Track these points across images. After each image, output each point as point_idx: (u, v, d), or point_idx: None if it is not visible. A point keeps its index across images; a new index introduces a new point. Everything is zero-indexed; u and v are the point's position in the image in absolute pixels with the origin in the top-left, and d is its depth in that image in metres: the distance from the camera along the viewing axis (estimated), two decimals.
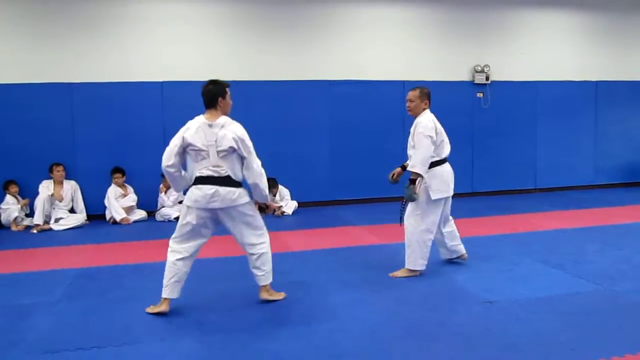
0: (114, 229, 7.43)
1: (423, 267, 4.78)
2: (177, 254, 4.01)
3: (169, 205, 7.90)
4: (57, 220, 7.42)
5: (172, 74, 8.18)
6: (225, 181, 3.88)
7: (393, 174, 5.12)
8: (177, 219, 7.63)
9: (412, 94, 4.93)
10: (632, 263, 5.09)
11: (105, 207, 7.80)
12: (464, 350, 3.28)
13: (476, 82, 9.44)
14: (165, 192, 7.91)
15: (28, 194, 7.62)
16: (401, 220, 4.92)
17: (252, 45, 8.51)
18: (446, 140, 4.94)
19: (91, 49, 7.93)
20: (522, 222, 7.19)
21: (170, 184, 4.22)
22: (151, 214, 8.02)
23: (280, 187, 8.25)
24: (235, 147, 3.91)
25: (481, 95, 9.57)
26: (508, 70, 9.66)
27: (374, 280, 4.70)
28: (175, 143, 4.00)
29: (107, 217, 7.78)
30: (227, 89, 4.18)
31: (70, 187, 7.70)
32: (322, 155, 8.87)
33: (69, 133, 7.89)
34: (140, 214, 7.93)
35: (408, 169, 4.81)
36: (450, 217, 5.06)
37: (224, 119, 4.04)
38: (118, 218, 7.63)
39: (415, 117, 4.92)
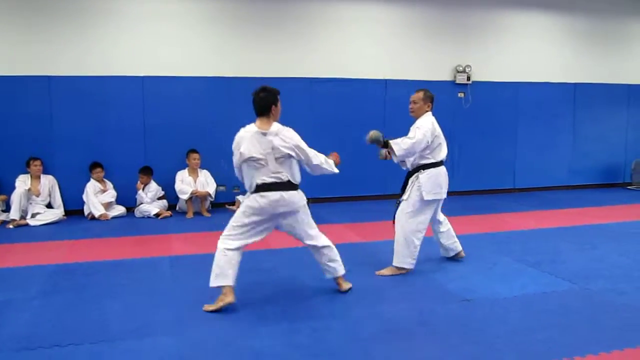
0: (92, 224, 7.34)
1: (411, 266, 4.83)
2: (229, 243, 4.05)
3: (147, 201, 7.83)
4: (33, 216, 7.31)
5: (153, 69, 8.11)
6: (288, 186, 4.03)
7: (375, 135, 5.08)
8: (157, 215, 7.66)
9: (416, 96, 4.96)
10: (607, 262, 5.18)
11: (83, 203, 7.70)
12: (442, 348, 3.31)
13: (458, 82, 9.51)
14: (143, 189, 7.84)
15: (4, 189, 7.49)
16: (394, 217, 4.99)
17: (235, 42, 8.46)
18: (444, 143, 4.98)
19: (71, 42, 7.82)
20: (501, 222, 7.27)
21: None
22: (130, 209, 7.94)
23: None
24: (293, 154, 4.05)
25: (462, 95, 9.64)
26: (489, 71, 9.75)
27: (355, 279, 4.70)
28: (235, 159, 4.07)
29: (86, 213, 7.68)
30: (279, 96, 4.18)
31: (48, 182, 7.59)
32: None
33: (47, 127, 7.77)
34: (119, 209, 7.85)
35: (391, 141, 4.86)
36: (444, 217, 5.20)
37: (276, 127, 4.08)
38: (97, 214, 7.54)
39: (417, 118, 4.95)
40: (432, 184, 4.81)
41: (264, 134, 4.00)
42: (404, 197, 4.96)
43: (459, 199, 9.21)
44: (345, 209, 8.35)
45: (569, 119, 10.34)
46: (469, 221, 7.34)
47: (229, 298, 3.93)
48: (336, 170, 4.32)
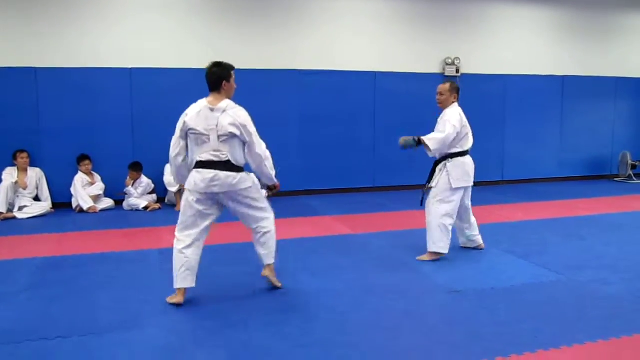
0: (81, 217, 7.29)
1: (446, 250, 4.98)
2: (182, 242, 3.94)
3: (136, 196, 7.79)
4: (21, 209, 7.25)
5: (141, 60, 8.04)
6: (226, 166, 3.84)
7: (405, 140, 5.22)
8: (145, 208, 7.62)
9: (442, 87, 5.26)
10: (594, 253, 5.23)
11: (71, 195, 7.64)
12: (429, 338, 3.33)
13: (447, 74, 9.52)
14: (133, 185, 7.79)
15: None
16: (422, 203, 5.21)
17: (223, 33, 8.41)
18: (470, 133, 5.25)
19: (58, 33, 7.74)
20: (489, 214, 7.30)
21: (174, 175, 4.21)
22: (119, 202, 7.89)
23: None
24: (237, 133, 3.86)
25: None
26: (478, 63, 9.77)
27: (344, 270, 4.73)
28: (177, 128, 3.99)
29: (74, 206, 7.63)
30: (232, 72, 4.06)
31: (35, 175, 7.52)
32: (292, 144, 8.85)
33: (34, 119, 7.69)
34: (108, 202, 7.80)
35: (424, 138, 5.08)
36: (470, 208, 5.32)
37: (226, 103, 3.94)
38: (85, 207, 7.49)
39: (444, 109, 5.24)
40: (460, 171, 5.06)
41: (212, 110, 3.90)
42: (432, 184, 5.13)
43: None
44: (335, 201, 8.36)
45: (557, 111, 10.40)
46: None
47: (177, 298, 3.88)
48: (272, 174, 4.18)
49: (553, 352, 3.10)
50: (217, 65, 4.02)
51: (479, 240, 5.39)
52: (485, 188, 9.64)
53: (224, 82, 3.99)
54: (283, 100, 8.74)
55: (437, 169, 5.17)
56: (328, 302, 3.95)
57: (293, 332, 3.40)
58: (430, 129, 9.63)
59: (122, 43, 7.98)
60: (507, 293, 4.12)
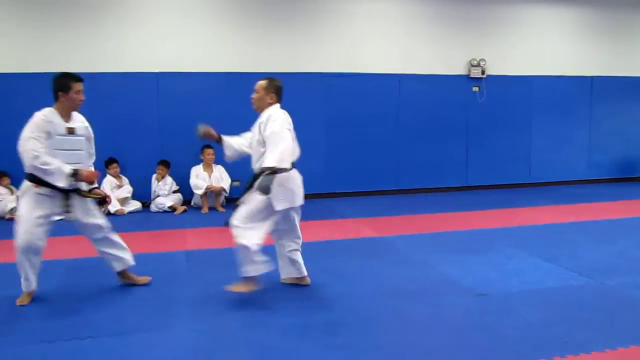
0: (109, 219, 7.37)
1: (256, 273, 4.01)
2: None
3: (163, 194, 7.90)
4: None
5: (168, 65, 8.14)
6: None
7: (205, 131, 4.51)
8: (170, 207, 7.72)
9: (258, 84, 4.49)
10: (624, 257, 5.13)
11: None
12: (455, 342, 3.30)
13: (472, 76, 9.44)
14: (161, 181, 7.91)
15: (20, 185, 7.57)
16: (227, 223, 4.21)
17: (248, 37, 8.47)
18: (296, 142, 4.35)
19: (87, 39, 7.87)
20: (516, 216, 7.22)
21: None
22: (146, 204, 8.00)
23: None
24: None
25: (477, 89, 9.57)
26: (504, 65, 9.65)
27: (368, 272, 4.72)
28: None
29: (102, 208, 7.73)
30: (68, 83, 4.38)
31: None
32: (318, 147, 8.86)
33: None
34: (135, 205, 7.91)
35: (266, 165, 3.91)
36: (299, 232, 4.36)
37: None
38: (113, 209, 7.60)
39: (260, 111, 4.40)
40: (284, 190, 4.03)
41: None
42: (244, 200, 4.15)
43: (474, 194, 9.18)
44: (360, 203, 8.34)
45: (586, 112, 10.22)
46: (483, 215, 7.31)
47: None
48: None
49: (583, 357, 3.05)
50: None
51: (304, 271, 4.37)
52: (511, 190, 9.54)
53: (60, 93, 4.23)
54: (308, 104, 8.76)
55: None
56: (353, 304, 3.95)
57: (318, 335, 3.40)
58: (454, 131, 9.62)
59: (148, 48, 8.08)
60: (535, 296, 4.07)
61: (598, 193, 9.15)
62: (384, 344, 3.27)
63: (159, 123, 8.16)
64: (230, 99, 8.36)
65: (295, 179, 4.17)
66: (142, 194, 8.01)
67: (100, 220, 4.36)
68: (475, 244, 5.67)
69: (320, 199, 8.76)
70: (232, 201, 8.35)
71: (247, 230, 3.96)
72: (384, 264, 4.97)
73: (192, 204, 8.17)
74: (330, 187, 8.98)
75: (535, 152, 9.98)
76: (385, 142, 9.18)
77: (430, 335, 3.42)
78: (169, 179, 8.01)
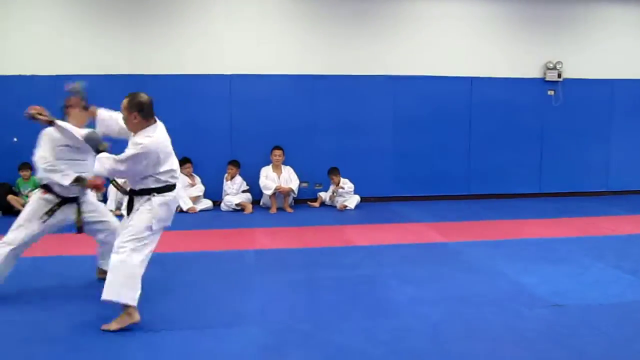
0: (181, 217, 7.62)
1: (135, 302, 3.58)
2: None
3: (232, 192, 8.09)
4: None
5: (240, 67, 8.33)
6: None
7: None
8: (238, 205, 7.90)
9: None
10: None
11: None
12: (530, 354, 3.19)
13: (547, 79, 9.12)
14: (230, 180, 8.11)
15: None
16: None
17: (318, 40, 8.54)
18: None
19: (163, 42, 8.18)
20: (593, 225, 6.92)
21: None
22: (217, 203, 8.21)
23: (342, 178, 8.30)
24: None
25: (552, 93, 9.24)
26: (582, 67, 9.27)
27: (437, 278, 4.65)
28: None
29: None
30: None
31: None
32: (386, 150, 8.82)
33: None
34: (206, 203, 8.14)
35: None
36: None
37: None
38: (185, 207, 7.85)
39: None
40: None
41: None
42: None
43: (548, 201, 8.88)
44: (428, 208, 8.23)
45: None
46: (558, 223, 7.05)
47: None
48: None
49: None
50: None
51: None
52: (587, 198, 9.16)
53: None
54: (377, 106, 8.74)
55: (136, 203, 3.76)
56: (421, 310, 3.90)
57: (387, 339, 3.38)
58: (528, 136, 9.33)
59: (222, 51, 8.31)
60: (615, 310, 3.88)
61: None
62: (453, 351, 3.22)
63: (230, 124, 8.36)
64: (299, 100, 8.48)
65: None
66: (214, 193, 8.22)
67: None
68: (549, 252, 5.48)
69: (388, 202, 8.72)
70: (300, 202, 8.46)
71: (134, 252, 3.59)
72: (453, 270, 4.88)
73: (261, 204, 8.31)
74: (398, 191, 8.91)
75: (615, 159, 9.53)
76: (455, 146, 9.02)
77: (502, 345, 3.32)
78: (238, 179, 8.20)
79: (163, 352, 3.21)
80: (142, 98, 3.72)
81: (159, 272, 4.82)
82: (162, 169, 3.67)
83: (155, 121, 3.77)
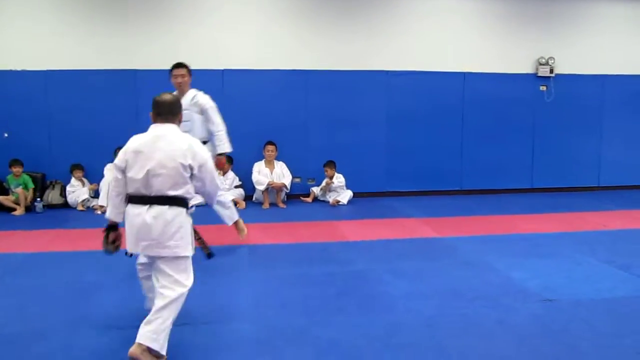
0: None
1: None
2: None
3: (225, 188, 8.05)
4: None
5: (233, 62, 8.30)
6: None
7: None
8: (233, 201, 7.86)
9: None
10: None
11: None
12: (522, 348, 3.21)
13: (540, 74, 9.15)
14: (223, 175, 8.09)
15: (94, 177, 7.92)
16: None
17: (312, 35, 8.52)
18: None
19: (154, 36, 8.14)
20: (584, 221, 6.96)
21: None
22: None
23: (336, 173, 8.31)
24: None
25: (544, 88, 9.27)
26: (574, 63, 9.30)
27: (430, 273, 4.67)
28: None
29: None
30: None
31: None
32: (379, 145, 8.82)
33: (133, 118, 8.13)
34: (198, 198, 8.05)
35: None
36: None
37: None
38: None
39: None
40: None
41: None
42: None
43: (539, 196, 8.92)
44: (421, 203, 8.24)
45: None
46: (549, 219, 7.08)
47: None
48: None
49: None
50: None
51: None
52: (578, 194, 9.20)
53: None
54: (370, 102, 8.73)
55: None
56: (415, 305, 3.91)
57: (380, 334, 3.40)
58: (520, 131, 9.35)
59: (214, 45, 8.27)
60: (606, 304, 3.91)
61: None
62: (446, 346, 3.23)
63: (224, 119, 8.31)
64: (293, 96, 8.46)
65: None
66: None
67: None
68: (541, 248, 5.51)
69: (380, 197, 8.72)
70: (292, 197, 8.45)
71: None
72: (445, 266, 4.90)
73: (254, 199, 8.30)
74: (391, 186, 8.92)
75: (606, 154, 9.58)
76: (448, 141, 9.04)
77: (494, 339, 3.34)
78: (230, 174, 8.18)
79: None
80: (157, 97, 3.34)
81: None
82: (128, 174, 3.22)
83: (157, 122, 3.27)
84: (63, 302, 3.96)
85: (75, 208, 7.73)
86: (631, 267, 4.81)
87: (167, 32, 8.17)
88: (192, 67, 8.19)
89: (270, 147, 8.12)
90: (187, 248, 3.19)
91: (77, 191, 7.76)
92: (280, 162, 8.23)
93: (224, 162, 5.33)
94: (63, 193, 7.84)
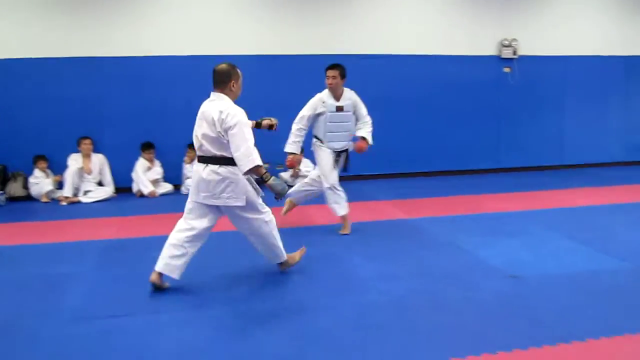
0: (141, 201, 7.54)
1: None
2: None
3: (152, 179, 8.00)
4: (85, 193, 7.55)
5: (199, 48, 8.18)
6: None
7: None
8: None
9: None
10: None
11: (132, 180, 7.90)
12: (490, 323, 3.29)
13: (503, 56, 9.26)
14: (190, 163, 8.01)
15: (57, 168, 7.75)
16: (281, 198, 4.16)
17: (279, 19, 8.44)
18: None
19: (118, 22, 7.95)
20: (549, 199, 7.11)
21: None
22: (177, 187, 8.11)
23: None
24: None
25: (508, 70, 9.40)
26: (536, 45, 9.43)
27: (400, 254, 4.72)
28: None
29: (134, 190, 7.89)
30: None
31: (98, 161, 7.81)
32: None
33: (97, 107, 7.98)
34: (167, 187, 8.03)
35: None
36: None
37: None
38: (146, 191, 7.73)
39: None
40: None
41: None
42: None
43: (506, 176, 9.08)
44: (389, 185, 8.31)
45: (621, 93, 9.94)
46: (515, 197, 7.22)
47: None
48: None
49: (617, 339, 3.02)
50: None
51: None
52: (543, 172, 9.40)
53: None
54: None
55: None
56: (384, 286, 3.96)
57: (351, 316, 3.43)
58: (486, 113, 9.44)
59: (180, 31, 8.13)
60: (569, 279, 4.02)
61: (633, 176, 8.92)
62: (416, 325, 3.28)
63: (189, 105, 8.18)
64: (260, 81, 8.37)
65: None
66: (174, 176, 8.12)
67: None
68: (507, 226, 5.62)
69: (349, 181, 8.71)
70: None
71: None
72: (414, 246, 4.96)
73: None
74: (360, 170, 8.93)
75: (568, 133, 9.78)
76: (416, 123, 9.10)
77: (463, 316, 3.41)
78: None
79: (126, 338, 3.17)
80: (215, 66, 4.10)
81: (120, 257, 4.78)
82: None
83: (213, 90, 4.01)
84: (30, 295, 3.89)
85: (39, 200, 7.57)
86: (593, 242, 4.95)
87: (129, 19, 7.99)
88: (156, 53, 8.11)
89: None
90: (238, 199, 3.85)
91: (40, 183, 7.58)
92: None
93: (365, 147, 5.70)
94: (26, 185, 7.66)
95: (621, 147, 10.08)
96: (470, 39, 9.20)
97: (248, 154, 3.70)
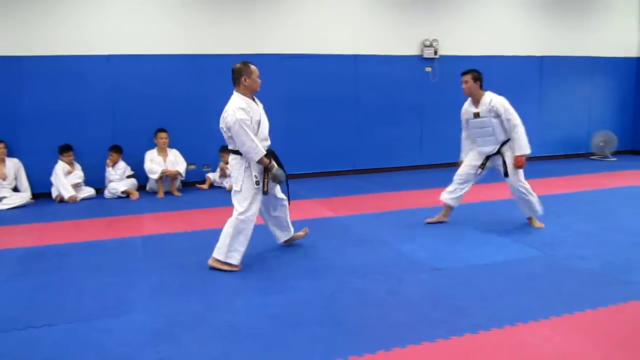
0: (61, 207, 7.23)
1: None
2: None
3: (116, 179, 7.76)
4: (0, 200, 7.17)
5: (121, 47, 7.93)
6: None
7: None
8: (124, 192, 7.60)
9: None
10: (571, 230, 5.35)
11: (51, 185, 7.57)
12: (413, 315, 3.40)
13: (425, 56, 9.56)
14: (113, 167, 7.76)
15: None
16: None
17: (202, 18, 8.31)
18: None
19: (38, 20, 7.59)
20: (469, 193, 7.37)
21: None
22: (99, 191, 7.85)
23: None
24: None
25: (430, 69, 9.70)
26: (456, 45, 9.79)
27: (327, 252, 4.79)
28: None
29: (54, 195, 7.56)
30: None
31: (13, 165, 7.43)
32: (276, 129, 8.77)
33: (10, 108, 7.59)
34: (89, 191, 7.75)
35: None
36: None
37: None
38: (66, 196, 7.43)
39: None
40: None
41: None
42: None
43: (428, 172, 9.37)
44: (317, 184, 8.39)
45: (536, 91, 10.50)
46: (434, 194, 7.42)
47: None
48: None
49: (532, 324, 3.20)
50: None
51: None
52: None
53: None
54: (264, 85, 8.59)
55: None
56: (312, 283, 4.00)
57: (279, 313, 3.45)
58: (409, 111, 9.70)
59: (101, 30, 7.85)
60: (488, 269, 4.22)
61: (546, 169, 9.41)
62: (344, 321, 3.35)
63: (112, 106, 7.97)
64: (184, 81, 8.25)
65: None
66: (96, 180, 7.85)
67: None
68: None
69: None
70: (188, 185, 8.29)
71: None
72: (341, 243, 5.05)
73: (148, 188, 8.05)
74: (288, 169, 8.92)
75: None
76: (343, 123, 9.24)
77: (388, 310, 3.51)
78: (121, 164, 7.86)
79: (46, 349, 3.04)
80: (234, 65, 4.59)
81: (38, 266, 4.58)
82: None
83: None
84: None
85: None
86: (510, 234, 5.22)
87: (50, 17, 7.64)
88: (75, 53, 7.80)
89: (162, 135, 7.88)
90: (237, 185, 4.31)
91: None
92: (174, 150, 8.03)
93: (523, 162, 5.48)
94: None
95: (535, 142, 10.54)
96: (394, 39, 9.43)
97: (253, 147, 4.31)
